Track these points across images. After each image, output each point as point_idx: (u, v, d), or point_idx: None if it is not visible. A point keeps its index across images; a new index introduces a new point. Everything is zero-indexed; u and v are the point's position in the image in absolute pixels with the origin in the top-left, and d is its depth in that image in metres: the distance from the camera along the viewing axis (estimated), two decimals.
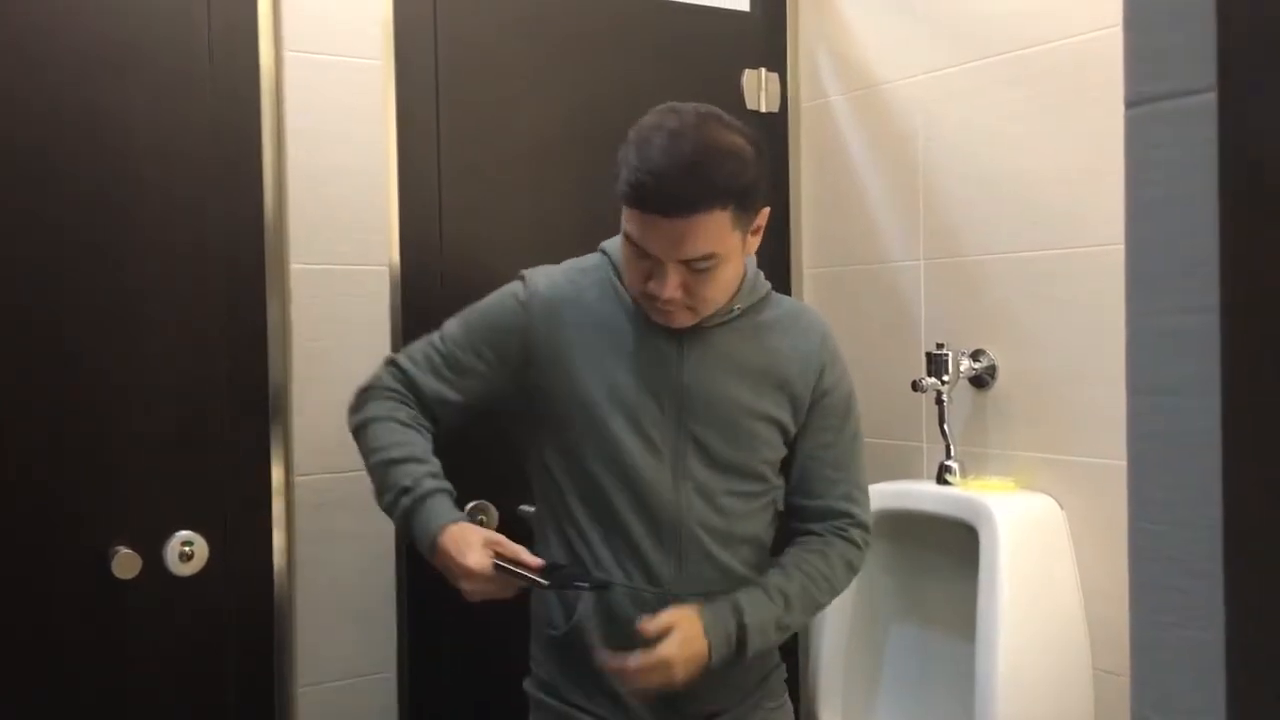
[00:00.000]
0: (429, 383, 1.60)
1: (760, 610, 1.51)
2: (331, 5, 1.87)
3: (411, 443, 1.57)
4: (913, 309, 2.17)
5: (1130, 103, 0.58)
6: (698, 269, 1.46)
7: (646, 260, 1.47)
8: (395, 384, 1.61)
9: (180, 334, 1.78)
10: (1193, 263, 0.55)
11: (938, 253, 2.13)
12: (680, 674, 1.44)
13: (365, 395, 1.62)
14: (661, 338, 1.56)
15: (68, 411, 1.70)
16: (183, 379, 1.78)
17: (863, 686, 2.07)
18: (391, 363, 1.64)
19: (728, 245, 1.46)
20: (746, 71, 2.28)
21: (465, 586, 1.46)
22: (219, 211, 1.80)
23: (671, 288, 1.46)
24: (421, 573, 1.97)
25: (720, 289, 1.52)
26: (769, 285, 1.65)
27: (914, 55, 2.15)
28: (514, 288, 1.61)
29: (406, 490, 1.52)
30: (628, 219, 1.47)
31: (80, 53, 1.70)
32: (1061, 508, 1.90)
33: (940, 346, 2.03)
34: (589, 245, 1.67)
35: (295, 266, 1.85)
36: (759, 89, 2.29)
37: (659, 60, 2.16)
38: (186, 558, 1.77)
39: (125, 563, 1.72)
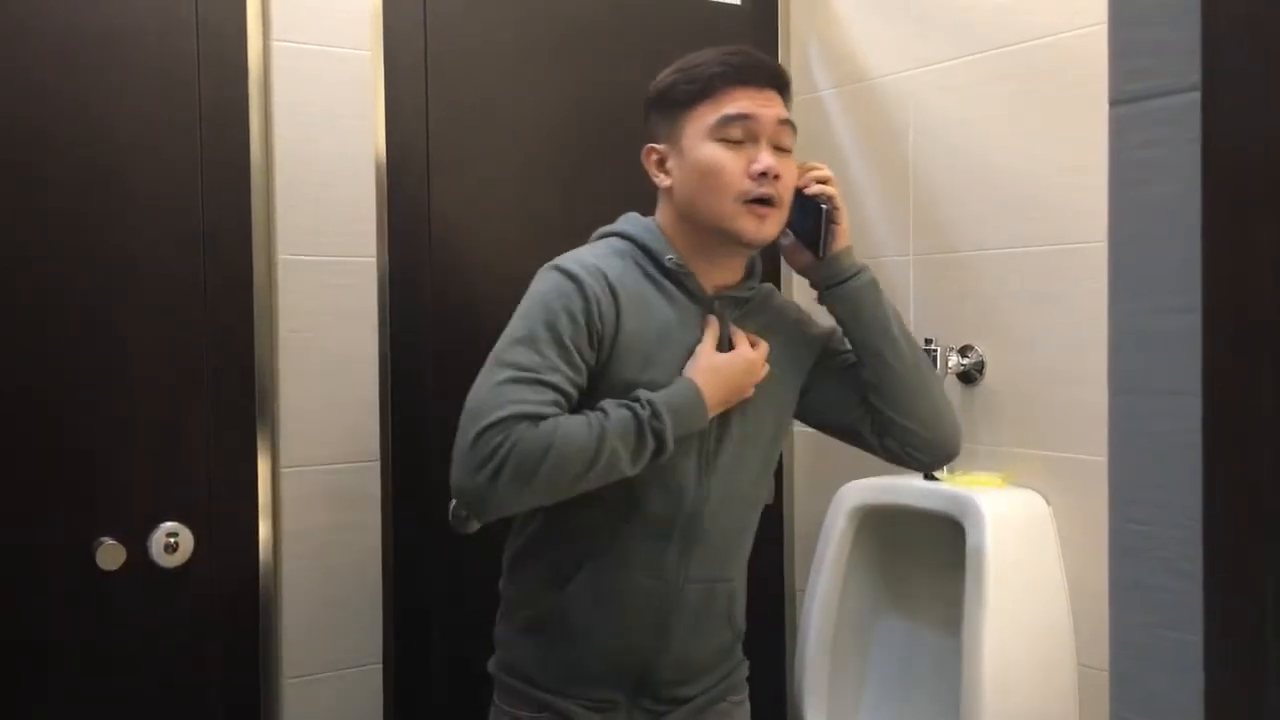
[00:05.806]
0: (566, 380, 1.44)
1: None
2: None
3: (591, 412, 1.43)
4: (902, 304, 2.16)
5: (1114, 101, 0.58)
6: (784, 148, 1.53)
7: (742, 148, 1.50)
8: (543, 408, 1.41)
9: (166, 324, 1.77)
10: (1175, 263, 0.55)
11: (927, 248, 2.12)
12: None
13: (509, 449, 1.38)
14: (696, 319, 1.54)
15: (52, 402, 1.69)
16: (169, 369, 1.78)
17: (848, 681, 2.07)
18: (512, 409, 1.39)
19: None
20: None
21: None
22: (206, 202, 1.80)
23: (772, 160, 1.50)
24: (408, 563, 1.97)
25: (791, 183, 1.55)
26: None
27: (905, 49, 2.15)
28: (561, 282, 1.47)
29: (638, 417, 1.42)
30: (725, 103, 1.49)
31: (66, 41, 1.69)
32: (1048, 504, 1.90)
33: (929, 342, 2.03)
34: (578, 236, 1.64)
35: (282, 257, 1.84)
36: None
37: (649, 52, 2.14)
38: (171, 549, 1.76)
39: (109, 554, 1.71)
